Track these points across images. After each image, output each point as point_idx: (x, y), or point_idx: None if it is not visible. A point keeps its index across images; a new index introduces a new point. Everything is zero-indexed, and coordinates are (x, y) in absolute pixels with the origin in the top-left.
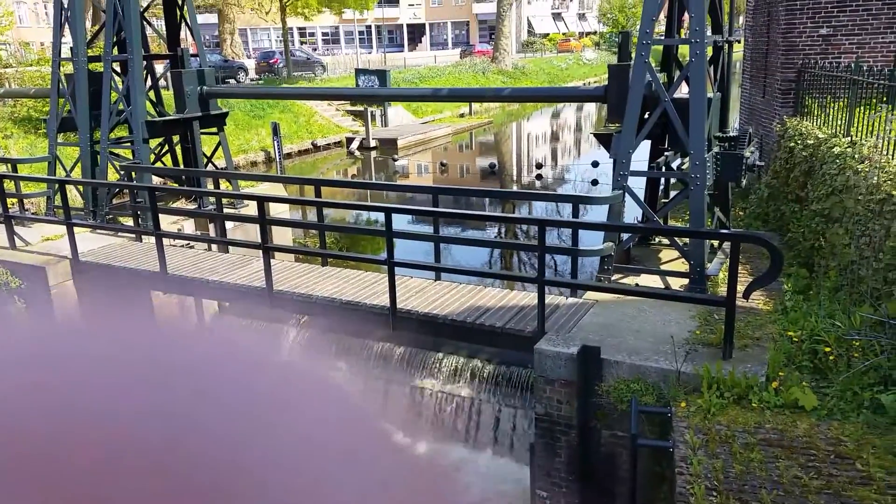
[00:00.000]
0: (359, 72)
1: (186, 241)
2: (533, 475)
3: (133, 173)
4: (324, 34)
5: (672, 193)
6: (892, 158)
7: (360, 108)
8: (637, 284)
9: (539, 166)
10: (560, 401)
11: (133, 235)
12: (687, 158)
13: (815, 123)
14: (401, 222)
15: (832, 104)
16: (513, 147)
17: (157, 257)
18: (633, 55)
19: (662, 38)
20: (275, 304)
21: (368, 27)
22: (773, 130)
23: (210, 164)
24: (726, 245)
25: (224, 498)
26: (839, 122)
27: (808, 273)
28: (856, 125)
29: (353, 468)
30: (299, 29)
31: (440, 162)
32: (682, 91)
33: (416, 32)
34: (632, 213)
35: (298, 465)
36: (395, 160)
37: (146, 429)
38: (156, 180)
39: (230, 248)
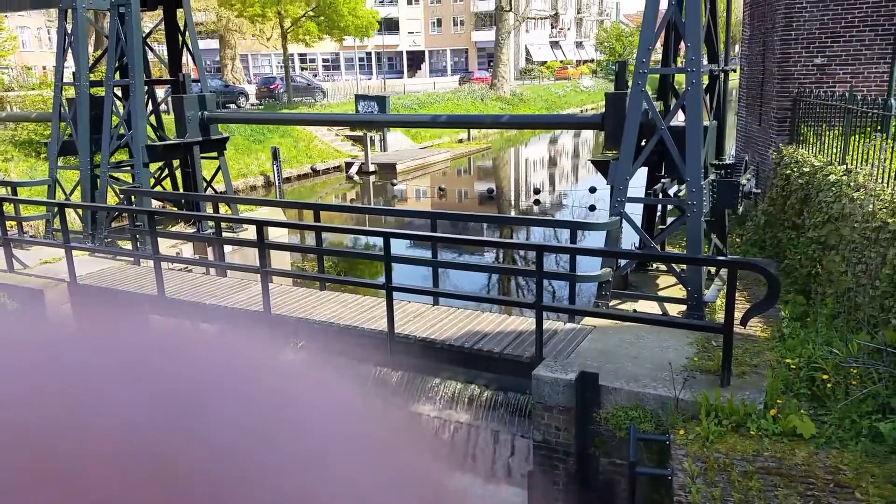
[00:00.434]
0: (359, 97)
1: (185, 265)
2: (531, 503)
3: (132, 197)
4: (324, 60)
5: (669, 220)
6: (887, 186)
7: (359, 133)
8: (635, 310)
9: (537, 191)
10: (558, 427)
11: (131, 259)
12: (684, 185)
13: (810, 151)
14: (399, 247)
15: (827, 132)
16: (511, 172)
17: (156, 281)
18: (630, 84)
19: (659, 66)
20: (273, 329)
21: (368, 54)
22: (769, 158)
23: (209, 189)
24: (723, 272)
25: None
26: (834, 151)
27: (805, 300)
28: (851, 153)
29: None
30: (300, 55)
31: (439, 187)
32: (679, 119)
33: (415, 59)
34: (629, 238)
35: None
36: (393, 185)
37: (143, 439)
38: (155, 204)
39: (228, 272)
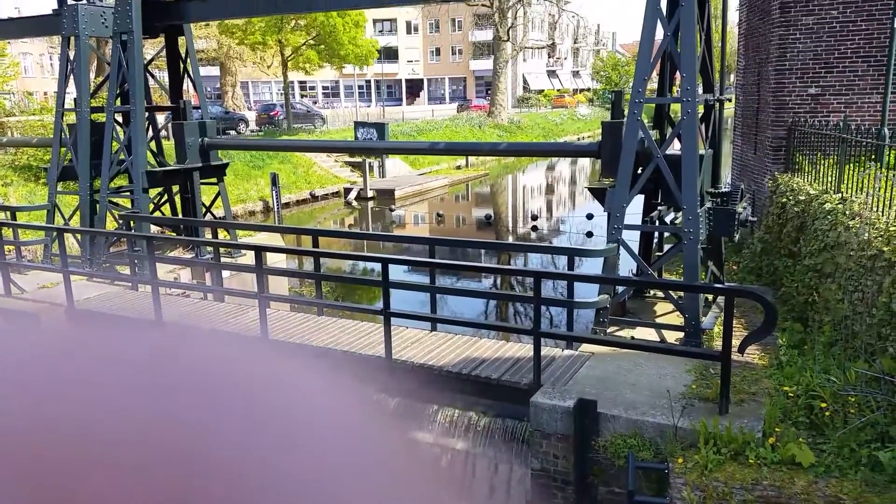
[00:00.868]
0: (358, 124)
1: (183, 290)
2: None
3: (131, 222)
4: (324, 88)
5: (666, 247)
6: (882, 215)
7: (358, 159)
8: (633, 337)
9: (535, 218)
10: (556, 455)
11: (129, 284)
12: (680, 213)
13: (806, 180)
14: (397, 272)
15: (822, 161)
16: (508, 199)
17: (153, 306)
18: (626, 112)
19: (655, 96)
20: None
21: (368, 82)
22: (764, 186)
23: (208, 214)
24: (721, 299)
25: None
26: (829, 179)
27: (802, 328)
28: (846, 182)
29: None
30: (300, 82)
31: (437, 213)
32: (675, 147)
33: (414, 87)
34: (626, 265)
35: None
36: (392, 210)
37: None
38: (154, 229)
39: (226, 297)
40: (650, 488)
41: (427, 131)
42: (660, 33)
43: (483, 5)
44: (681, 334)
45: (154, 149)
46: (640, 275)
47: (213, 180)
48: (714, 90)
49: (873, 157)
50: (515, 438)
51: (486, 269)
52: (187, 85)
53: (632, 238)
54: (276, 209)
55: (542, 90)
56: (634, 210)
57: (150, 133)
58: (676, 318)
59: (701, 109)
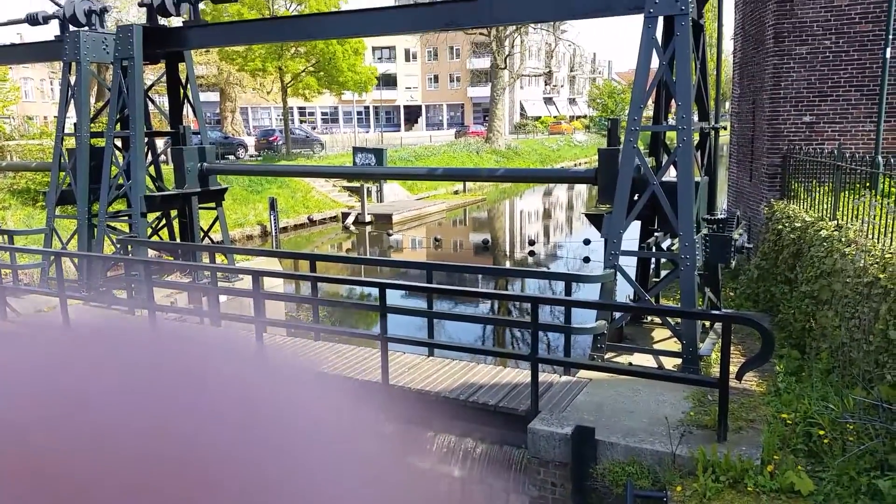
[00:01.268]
0: (356, 150)
1: (179, 315)
2: None
3: (129, 246)
4: (323, 113)
5: (663, 273)
6: (878, 242)
7: (356, 184)
8: (631, 363)
9: (532, 243)
10: (554, 483)
11: (126, 308)
12: (677, 239)
13: (801, 207)
14: (394, 297)
15: (818, 188)
16: (506, 224)
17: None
18: (622, 140)
19: (651, 123)
20: None
21: (367, 108)
22: (760, 213)
23: (206, 238)
24: (718, 325)
25: None
26: (825, 206)
27: (799, 354)
28: (841, 209)
29: None
30: (299, 108)
31: (434, 237)
32: (671, 174)
33: (412, 113)
34: (623, 291)
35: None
36: (389, 235)
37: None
38: (151, 254)
39: (223, 321)
40: None
41: (425, 157)
42: (655, 62)
43: (481, 34)
44: (678, 361)
45: (153, 173)
46: (638, 301)
47: (212, 205)
48: (709, 118)
49: (868, 184)
50: (513, 466)
51: (484, 294)
52: (187, 110)
53: (629, 264)
54: (273, 233)
55: (539, 117)
56: (632, 236)
57: (150, 158)
58: (674, 345)
59: (696, 137)
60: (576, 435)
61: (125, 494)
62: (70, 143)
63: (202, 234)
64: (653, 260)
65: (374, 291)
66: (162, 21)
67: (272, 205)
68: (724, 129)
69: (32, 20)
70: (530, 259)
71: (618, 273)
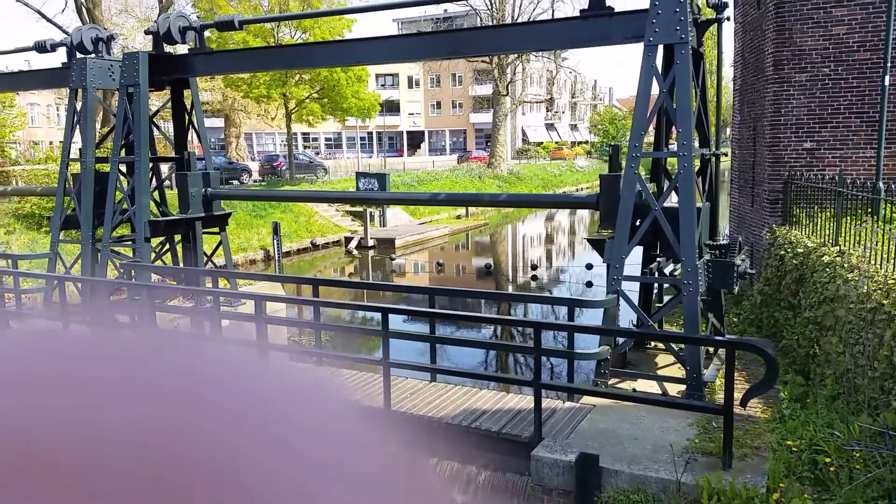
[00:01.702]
0: (359, 175)
1: None
2: None
3: (132, 271)
4: (327, 139)
5: (666, 298)
6: (881, 268)
7: (359, 208)
8: (634, 389)
9: (534, 267)
10: None
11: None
12: (679, 264)
13: (803, 232)
14: (397, 321)
15: (819, 214)
16: (508, 248)
17: None
18: (624, 166)
19: (652, 149)
20: None
21: (370, 133)
22: (762, 238)
23: (209, 263)
24: (722, 351)
25: None
26: (827, 232)
27: (804, 381)
28: (843, 235)
29: None
30: (303, 134)
31: (437, 262)
32: (673, 200)
33: (415, 139)
34: (626, 316)
35: None
36: (392, 259)
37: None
38: (154, 278)
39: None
40: None
41: (428, 182)
42: (656, 89)
43: (483, 61)
44: (683, 387)
45: (157, 198)
46: (641, 326)
47: (216, 229)
48: (710, 145)
49: (869, 210)
50: (517, 493)
51: (486, 319)
52: (192, 136)
53: (632, 289)
54: (276, 258)
55: (541, 142)
56: (634, 261)
57: (154, 183)
58: (678, 371)
59: (697, 163)
60: (580, 462)
61: None
62: (75, 168)
63: (205, 258)
64: (656, 285)
65: (377, 316)
66: (167, 48)
67: (275, 229)
68: (725, 155)
69: (41, 48)
70: (533, 283)
71: (621, 298)
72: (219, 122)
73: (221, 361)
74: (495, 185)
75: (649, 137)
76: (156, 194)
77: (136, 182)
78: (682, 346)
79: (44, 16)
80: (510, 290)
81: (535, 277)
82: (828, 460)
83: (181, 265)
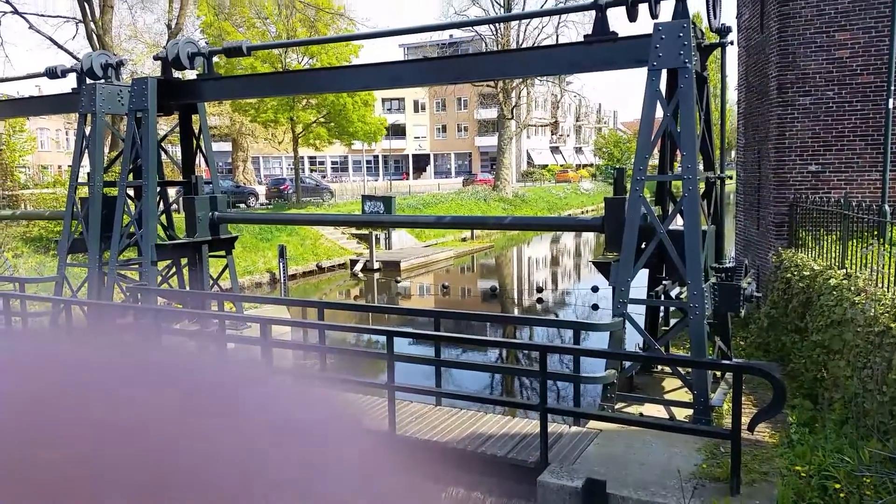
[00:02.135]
0: (365, 198)
1: None
2: None
3: (139, 294)
4: (333, 162)
5: (672, 321)
6: (888, 291)
7: (364, 231)
8: (641, 414)
9: (540, 290)
10: None
11: None
12: (685, 287)
13: (809, 255)
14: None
15: (825, 237)
16: (514, 271)
17: None
18: (628, 189)
19: (656, 172)
20: None
21: (376, 157)
22: (769, 261)
23: (215, 286)
24: (729, 374)
25: None
26: (833, 255)
27: (812, 405)
28: (849, 258)
29: None
30: (310, 157)
31: (442, 284)
32: (678, 222)
33: (421, 162)
34: (633, 339)
35: None
36: (397, 282)
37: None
38: (160, 302)
39: None
40: None
41: (433, 204)
42: (660, 112)
43: (488, 86)
44: (690, 411)
45: (164, 222)
46: (647, 350)
47: (222, 253)
48: (715, 168)
49: (876, 232)
50: None
51: (492, 342)
52: (200, 160)
53: (638, 311)
54: (282, 281)
55: (546, 165)
56: (640, 283)
57: (161, 207)
58: (685, 395)
59: (702, 186)
60: (586, 488)
61: None
62: (83, 192)
63: (212, 281)
64: (662, 308)
65: (382, 339)
66: (176, 74)
67: (281, 252)
68: (730, 178)
69: (52, 74)
70: (538, 306)
71: (626, 321)
72: (226, 146)
73: (227, 384)
74: (500, 207)
75: (654, 160)
76: (163, 218)
77: (143, 206)
78: (689, 369)
79: (55, 42)
80: (516, 312)
81: (540, 300)
82: (838, 486)
83: (187, 288)
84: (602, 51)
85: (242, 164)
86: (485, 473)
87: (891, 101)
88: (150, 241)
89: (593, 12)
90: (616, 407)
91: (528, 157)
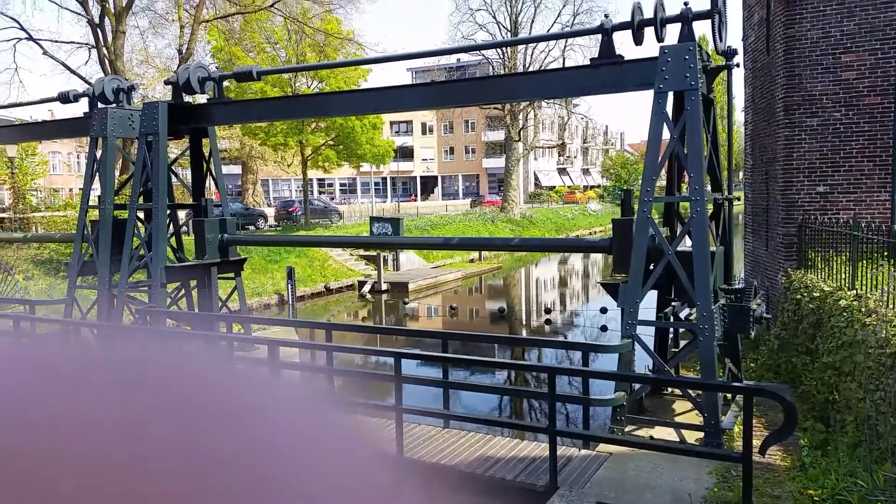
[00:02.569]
0: (373, 219)
1: None
2: None
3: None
4: (342, 184)
5: (681, 342)
6: None
7: (372, 252)
8: (651, 437)
9: (548, 311)
10: None
11: None
12: (694, 309)
13: (819, 276)
14: (409, 366)
15: (835, 258)
16: (522, 292)
17: None
18: (636, 210)
19: (664, 193)
20: None
21: (384, 179)
22: (778, 282)
23: (224, 308)
24: (740, 396)
25: None
26: (843, 276)
27: (824, 427)
28: (860, 279)
29: None
30: (319, 180)
31: (450, 305)
32: (686, 243)
33: (428, 183)
34: (642, 361)
35: None
36: (405, 303)
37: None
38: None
39: None
40: None
41: (441, 226)
42: (667, 134)
43: (495, 108)
44: (701, 434)
45: (174, 244)
46: (657, 372)
47: (231, 274)
48: (722, 189)
49: (885, 253)
50: None
51: (500, 364)
52: (209, 182)
53: (647, 333)
54: (290, 302)
55: (554, 186)
56: (649, 304)
57: (171, 229)
58: (695, 417)
59: (710, 208)
60: None
61: None
62: (94, 215)
63: (221, 303)
64: (671, 330)
65: (390, 360)
66: (187, 98)
67: (290, 274)
68: (738, 199)
69: (64, 98)
70: (547, 327)
71: (636, 343)
72: (236, 169)
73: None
74: (508, 228)
75: (661, 181)
76: (173, 240)
77: (153, 228)
78: (700, 392)
79: (68, 67)
80: (524, 333)
81: (548, 321)
82: None
83: (196, 310)
84: (609, 74)
85: (252, 186)
86: (494, 497)
87: None
88: (160, 264)
89: (599, 36)
90: (626, 430)
91: (536, 178)
